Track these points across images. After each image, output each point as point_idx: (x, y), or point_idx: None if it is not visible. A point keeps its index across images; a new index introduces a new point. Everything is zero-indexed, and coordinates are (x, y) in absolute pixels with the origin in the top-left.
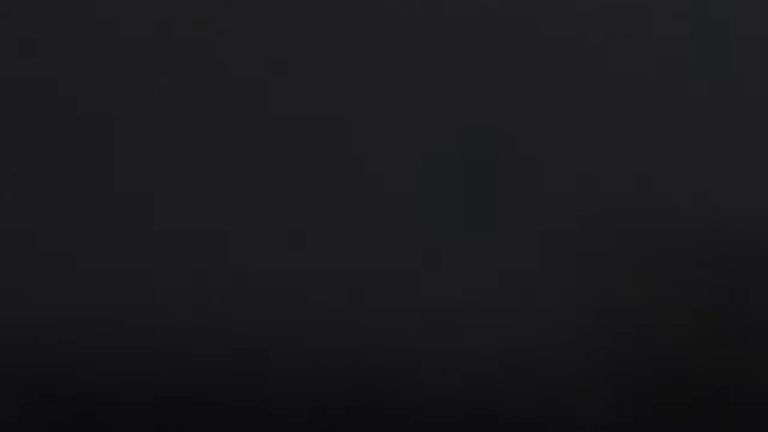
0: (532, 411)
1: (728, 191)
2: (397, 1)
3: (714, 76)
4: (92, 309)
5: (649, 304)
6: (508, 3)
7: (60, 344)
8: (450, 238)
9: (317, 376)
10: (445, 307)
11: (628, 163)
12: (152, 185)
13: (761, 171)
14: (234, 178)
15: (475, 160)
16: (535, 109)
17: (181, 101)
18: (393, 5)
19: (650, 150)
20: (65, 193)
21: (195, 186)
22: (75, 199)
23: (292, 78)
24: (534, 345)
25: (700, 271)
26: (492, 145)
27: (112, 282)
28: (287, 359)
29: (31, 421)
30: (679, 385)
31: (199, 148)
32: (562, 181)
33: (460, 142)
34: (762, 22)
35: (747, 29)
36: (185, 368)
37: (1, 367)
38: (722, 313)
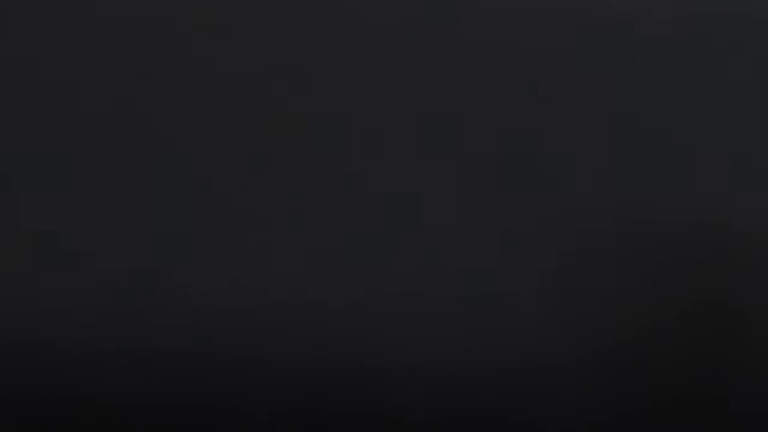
0: (532, 412)
1: (727, 194)
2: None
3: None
4: (90, 309)
5: (648, 305)
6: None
7: (56, 345)
8: (450, 238)
9: (316, 376)
10: (444, 306)
11: (630, 165)
12: (151, 185)
13: (759, 174)
14: (231, 179)
15: (476, 160)
16: (537, 109)
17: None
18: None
19: (651, 152)
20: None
21: (193, 186)
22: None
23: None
24: (534, 346)
25: (700, 272)
26: (493, 146)
27: (110, 282)
28: (281, 359)
29: (31, 421)
30: (677, 385)
31: (199, 150)
32: (562, 183)
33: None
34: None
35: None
36: (180, 368)
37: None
38: (722, 314)
